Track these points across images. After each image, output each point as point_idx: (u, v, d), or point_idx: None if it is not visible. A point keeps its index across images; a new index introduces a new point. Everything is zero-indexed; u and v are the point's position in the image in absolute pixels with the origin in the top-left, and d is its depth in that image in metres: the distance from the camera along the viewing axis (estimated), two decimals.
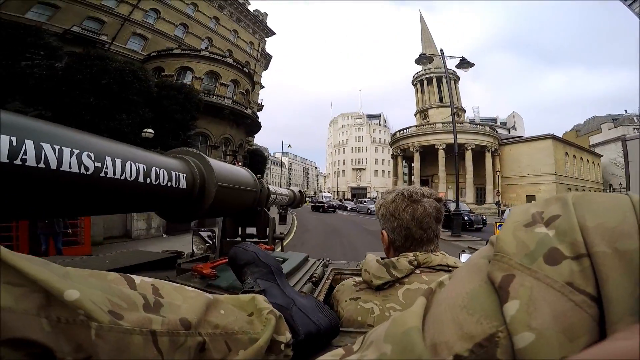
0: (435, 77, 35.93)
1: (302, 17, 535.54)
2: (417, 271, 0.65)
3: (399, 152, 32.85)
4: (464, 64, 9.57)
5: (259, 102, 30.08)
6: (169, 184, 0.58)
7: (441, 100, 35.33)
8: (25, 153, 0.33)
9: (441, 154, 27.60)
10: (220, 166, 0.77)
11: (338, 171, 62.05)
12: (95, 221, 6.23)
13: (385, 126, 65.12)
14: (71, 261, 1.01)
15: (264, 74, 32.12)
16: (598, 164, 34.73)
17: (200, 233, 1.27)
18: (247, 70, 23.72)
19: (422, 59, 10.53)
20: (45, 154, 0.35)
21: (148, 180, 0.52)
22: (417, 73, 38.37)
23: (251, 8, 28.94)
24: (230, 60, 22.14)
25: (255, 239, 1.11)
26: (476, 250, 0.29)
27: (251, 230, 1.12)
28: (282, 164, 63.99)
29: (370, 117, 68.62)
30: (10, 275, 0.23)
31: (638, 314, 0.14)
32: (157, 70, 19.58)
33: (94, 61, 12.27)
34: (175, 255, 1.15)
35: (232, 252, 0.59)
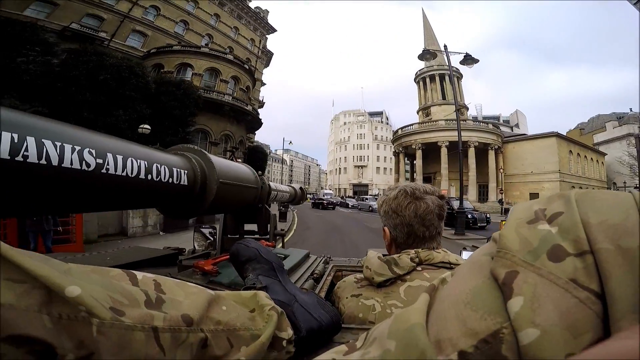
0: (438, 75, 35.71)
1: (302, 15, 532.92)
2: (419, 268, 0.65)
3: (401, 149, 32.77)
4: (468, 59, 9.50)
5: (260, 99, 30.03)
6: (170, 180, 0.58)
7: (444, 98, 35.14)
8: (26, 150, 0.33)
9: (444, 152, 27.50)
10: (222, 163, 0.77)
11: (339, 168, 61.95)
12: (89, 218, 5.87)
13: (387, 124, 64.96)
14: (73, 258, 1.02)
15: (265, 71, 32.11)
16: (602, 162, 34.50)
17: (202, 230, 1.27)
18: (247, 67, 23.64)
19: (425, 55, 10.48)
20: (46, 150, 0.35)
21: (149, 177, 0.52)
22: (419, 70, 38.15)
23: (252, 5, 28.79)
24: (230, 57, 22.07)
25: (257, 236, 1.11)
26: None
27: (252, 226, 1.12)
28: (283, 161, 64.01)
29: (372, 114, 68.42)
30: (11, 271, 0.23)
31: None
32: (157, 66, 19.55)
33: (91, 57, 12.07)
34: (177, 252, 1.15)
35: (234, 249, 0.59)
